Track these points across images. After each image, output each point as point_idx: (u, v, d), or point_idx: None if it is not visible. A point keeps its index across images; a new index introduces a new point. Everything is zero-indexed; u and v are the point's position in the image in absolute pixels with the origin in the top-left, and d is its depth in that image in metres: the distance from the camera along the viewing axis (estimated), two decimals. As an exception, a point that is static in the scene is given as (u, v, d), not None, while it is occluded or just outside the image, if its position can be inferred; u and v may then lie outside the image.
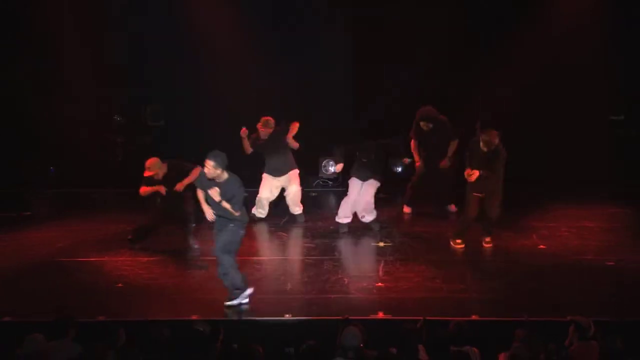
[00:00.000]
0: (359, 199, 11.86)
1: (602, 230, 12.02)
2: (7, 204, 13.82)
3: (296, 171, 12.58)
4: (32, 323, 8.17)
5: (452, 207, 12.97)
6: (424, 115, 12.55)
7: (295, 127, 12.40)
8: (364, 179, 11.86)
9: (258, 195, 12.53)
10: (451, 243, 11.19)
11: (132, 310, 9.00)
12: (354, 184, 11.93)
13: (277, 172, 12.51)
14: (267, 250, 11.34)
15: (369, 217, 11.95)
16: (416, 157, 12.83)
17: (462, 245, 11.13)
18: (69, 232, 12.22)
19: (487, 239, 11.15)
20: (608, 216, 12.79)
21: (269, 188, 12.55)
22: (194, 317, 8.50)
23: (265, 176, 12.57)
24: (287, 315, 8.74)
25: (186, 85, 14.89)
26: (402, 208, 13.13)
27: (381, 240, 11.51)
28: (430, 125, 12.53)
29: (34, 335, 7.14)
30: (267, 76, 14.39)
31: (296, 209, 12.68)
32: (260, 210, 12.59)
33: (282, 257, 11.45)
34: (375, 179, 11.84)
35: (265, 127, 12.24)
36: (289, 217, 12.69)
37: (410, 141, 12.83)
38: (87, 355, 7.04)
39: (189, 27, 14.61)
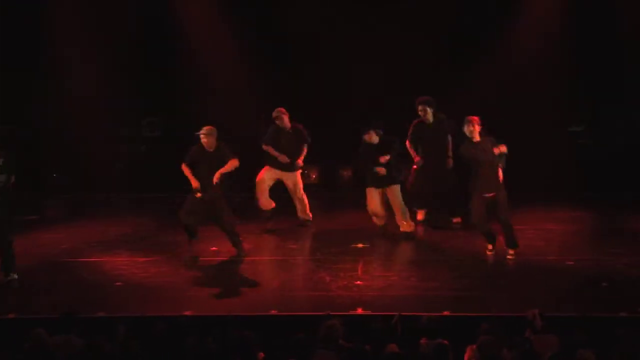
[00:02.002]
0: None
1: (564, 232, 12.08)
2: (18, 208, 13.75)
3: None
4: (37, 319, 8.15)
5: (456, 219, 12.21)
6: (424, 99, 12.02)
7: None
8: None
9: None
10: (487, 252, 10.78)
11: (129, 307, 8.98)
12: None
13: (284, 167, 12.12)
14: (254, 251, 11.30)
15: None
16: (414, 155, 12.17)
17: (492, 252, 10.70)
18: (73, 234, 12.20)
19: (511, 252, 10.61)
20: (570, 219, 12.85)
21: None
22: (187, 313, 8.52)
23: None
24: (274, 311, 8.74)
25: (182, 97, 14.91)
26: (416, 215, 12.42)
27: (360, 242, 11.52)
28: (429, 111, 11.99)
29: (37, 331, 7.13)
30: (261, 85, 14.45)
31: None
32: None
33: (268, 257, 11.45)
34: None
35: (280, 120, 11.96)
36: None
37: (406, 141, 12.17)
38: (89, 348, 7.03)
39: (184, 39, 14.69)
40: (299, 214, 12.43)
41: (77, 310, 7.75)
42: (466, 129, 10.40)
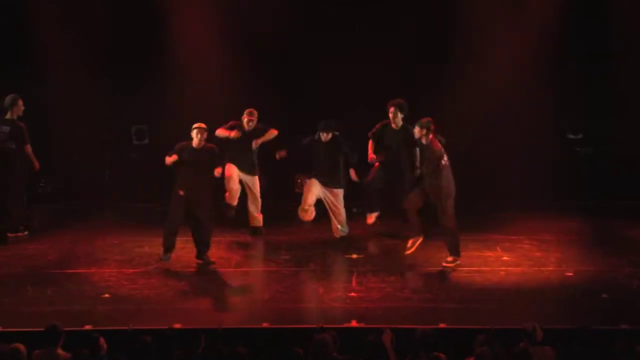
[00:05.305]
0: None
1: (561, 242, 12.02)
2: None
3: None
4: (22, 332, 8.08)
5: None
6: (397, 102, 11.71)
7: (271, 135, 12.09)
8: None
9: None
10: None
11: (117, 320, 8.89)
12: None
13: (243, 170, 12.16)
14: (244, 262, 11.24)
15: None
16: (370, 151, 11.83)
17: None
18: (59, 244, 12.11)
19: (449, 259, 10.62)
20: (567, 229, 12.80)
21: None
22: (176, 326, 8.44)
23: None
24: (265, 324, 8.67)
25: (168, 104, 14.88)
26: (366, 218, 12.22)
27: (354, 252, 11.46)
28: (399, 115, 11.67)
29: (16, 345, 7.06)
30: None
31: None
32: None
33: (260, 268, 11.37)
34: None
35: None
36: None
37: (368, 141, 11.94)
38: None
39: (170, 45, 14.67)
40: (251, 220, 12.35)
41: (59, 323, 7.64)
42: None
